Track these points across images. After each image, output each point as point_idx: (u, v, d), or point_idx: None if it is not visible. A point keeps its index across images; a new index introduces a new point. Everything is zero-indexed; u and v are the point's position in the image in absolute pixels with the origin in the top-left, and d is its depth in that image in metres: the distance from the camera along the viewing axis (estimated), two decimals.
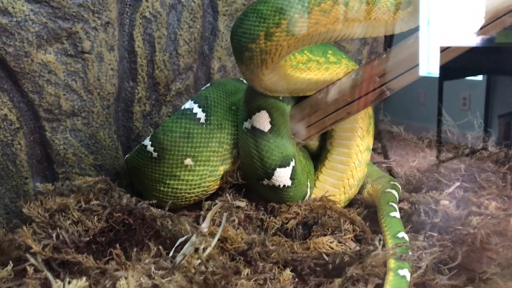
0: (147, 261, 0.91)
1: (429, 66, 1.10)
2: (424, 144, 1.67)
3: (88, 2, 1.30)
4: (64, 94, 1.31)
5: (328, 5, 0.88)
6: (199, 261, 0.88)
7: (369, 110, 1.28)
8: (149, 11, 1.41)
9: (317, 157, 1.31)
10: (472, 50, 1.13)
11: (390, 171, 1.49)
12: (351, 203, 1.29)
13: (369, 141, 1.25)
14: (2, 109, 1.25)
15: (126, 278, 0.83)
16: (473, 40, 1.09)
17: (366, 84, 1.11)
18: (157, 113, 1.47)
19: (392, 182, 1.34)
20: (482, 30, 1.03)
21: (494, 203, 1.10)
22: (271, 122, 1.09)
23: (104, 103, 1.37)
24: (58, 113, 1.32)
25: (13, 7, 1.23)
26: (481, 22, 1.06)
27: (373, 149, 1.87)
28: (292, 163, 1.10)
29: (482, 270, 0.96)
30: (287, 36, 0.89)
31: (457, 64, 1.10)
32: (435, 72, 1.07)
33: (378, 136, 2.40)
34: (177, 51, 1.46)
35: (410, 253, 1.01)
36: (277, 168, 1.08)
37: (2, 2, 1.21)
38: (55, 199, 1.06)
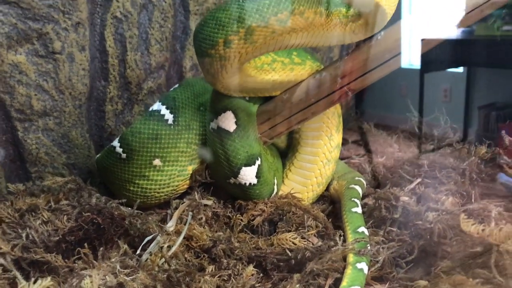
0: (113, 259, 0.94)
1: (411, 57, 1.14)
2: (393, 140, 1.71)
3: (58, 3, 1.31)
4: (35, 94, 1.33)
5: (285, 16, 0.91)
6: (163, 259, 0.92)
7: (338, 108, 1.31)
8: (120, 11, 1.42)
9: (286, 154, 1.35)
10: (452, 42, 1.16)
11: (358, 167, 1.53)
12: (318, 199, 1.33)
13: (338, 139, 1.28)
14: None
15: (91, 276, 0.87)
16: (454, 32, 1.12)
17: (329, 85, 1.15)
18: (129, 111, 1.49)
19: (357, 178, 1.39)
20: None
21: (450, 199, 1.15)
22: (236, 123, 1.12)
23: (76, 103, 1.39)
24: (30, 113, 1.33)
25: None
26: (462, 14, 1.09)
27: (354, 141, 1.93)
28: (258, 162, 1.14)
29: (437, 264, 1.01)
30: (245, 44, 0.92)
31: (437, 56, 1.13)
32: (416, 63, 1.11)
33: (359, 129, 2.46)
34: (149, 50, 1.48)
35: (368, 247, 1.06)
36: (243, 167, 1.12)
37: None
38: (25, 199, 1.08)
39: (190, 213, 1.05)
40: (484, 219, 0.99)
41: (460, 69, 3.46)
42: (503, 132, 1.33)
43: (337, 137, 1.28)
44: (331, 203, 1.31)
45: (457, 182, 1.26)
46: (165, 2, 1.48)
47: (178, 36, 1.54)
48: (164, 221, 1.17)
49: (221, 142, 1.11)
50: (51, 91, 1.35)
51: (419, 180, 1.30)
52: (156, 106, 1.15)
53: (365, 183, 1.39)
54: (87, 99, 1.41)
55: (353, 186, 1.31)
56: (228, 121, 1.12)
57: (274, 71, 1.14)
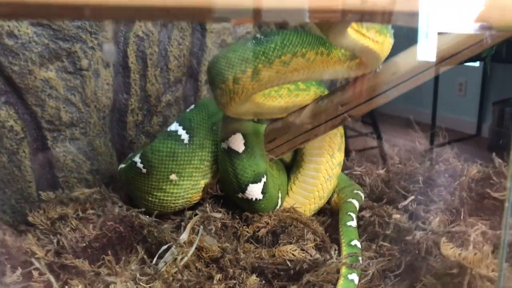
0: (133, 267, 1.07)
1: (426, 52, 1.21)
2: (394, 152, 1.82)
3: (86, 24, 1.44)
4: (64, 107, 1.46)
5: (288, 58, 1.02)
6: (176, 269, 1.05)
7: (340, 130, 1.42)
8: (142, 30, 1.54)
9: (291, 167, 1.47)
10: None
11: (359, 179, 1.64)
12: (320, 211, 1.45)
13: (340, 157, 1.40)
14: (8, 121, 1.40)
15: (115, 283, 1.00)
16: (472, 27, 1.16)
17: (331, 111, 1.26)
18: (149, 122, 1.62)
19: (355, 191, 1.50)
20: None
21: (438, 219, 1.26)
22: (245, 144, 1.24)
23: (100, 115, 1.52)
24: (59, 124, 1.47)
25: (18, 30, 1.36)
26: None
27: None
28: (264, 179, 1.26)
29: (420, 279, 1.13)
30: (252, 81, 1.03)
31: None
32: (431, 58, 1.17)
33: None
34: (168, 66, 1.60)
35: (360, 260, 1.18)
36: (250, 184, 1.24)
37: (8, 26, 1.35)
38: (55, 208, 1.22)
39: (201, 226, 1.18)
40: (464, 242, 1.10)
41: (477, 63, 3.47)
42: None
43: (339, 156, 1.39)
44: (331, 215, 1.43)
45: (446, 201, 1.37)
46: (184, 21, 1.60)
47: (195, 52, 1.66)
48: (178, 228, 1.30)
49: (231, 161, 1.24)
50: (78, 104, 1.48)
51: (412, 197, 1.41)
52: (174, 126, 1.28)
53: (363, 196, 1.51)
54: (110, 111, 1.54)
55: (350, 200, 1.43)
56: (237, 143, 1.24)
57: (281, 97, 1.26)
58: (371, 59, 1.10)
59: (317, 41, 1.08)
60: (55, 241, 1.16)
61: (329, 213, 1.44)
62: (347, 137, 1.81)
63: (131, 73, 1.55)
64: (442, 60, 1.21)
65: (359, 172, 1.69)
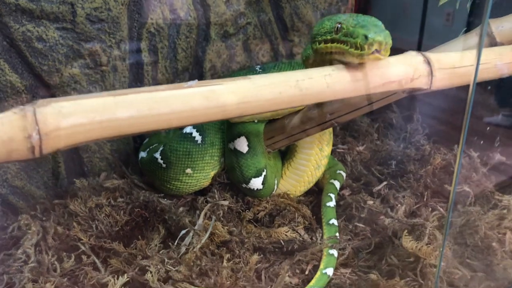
0: (161, 252, 1.36)
1: None
2: (373, 129, 2.08)
3: (105, 26, 1.60)
4: None
5: None
6: (195, 254, 1.33)
7: (330, 128, 1.66)
8: (154, 27, 1.71)
9: (285, 154, 1.72)
10: None
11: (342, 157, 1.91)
12: (308, 192, 1.73)
13: (328, 150, 1.64)
14: None
15: (149, 267, 1.28)
16: None
17: (320, 118, 1.49)
18: None
19: (338, 171, 1.77)
20: None
21: (403, 207, 1.55)
22: (248, 145, 1.48)
23: None
24: None
25: (46, 35, 1.53)
26: None
27: None
28: (264, 173, 1.52)
29: (387, 257, 1.43)
30: None
31: None
32: None
33: None
34: (176, 57, 1.79)
35: (337, 235, 1.47)
36: (252, 178, 1.50)
37: (37, 31, 1.51)
38: (92, 198, 1.47)
39: (213, 218, 1.45)
40: (421, 234, 1.40)
41: None
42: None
43: (327, 149, 1.64)
44: (317, 196, 1.71)
45: (413, 187, 1.66)
46: (191, 16, 1.76)
47: (200, 42, 1.83)
48: (190, 208, 1.58)
49: (237, 160, 1.49)
50: None
51: (385, 183, 1.70)
52: (189, 129, 1.50)
53: (344, 175, 1.79)
54: None
55: (332, 181, 1.71)
56: (242, 144, 1.48)
57: None
58: None
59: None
60: (93, 226, 1.42)
61: (315, 193, 1.72)
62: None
63: (144, 65, 1.74)
64: None
65: (341, 150, 1.96)
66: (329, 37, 1.02)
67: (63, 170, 1.71)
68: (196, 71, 1.88)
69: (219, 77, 1.90)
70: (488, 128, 2.02)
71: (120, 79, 1.69)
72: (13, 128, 0.64)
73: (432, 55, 1.04)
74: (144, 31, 1.70)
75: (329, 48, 1.02)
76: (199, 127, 1.50)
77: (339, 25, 0.99)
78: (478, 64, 0.90)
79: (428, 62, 1.02)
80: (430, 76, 1.02)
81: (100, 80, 1.66)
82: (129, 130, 0.74)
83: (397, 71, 0.99)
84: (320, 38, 1.05)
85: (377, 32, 0.90)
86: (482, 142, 1.79)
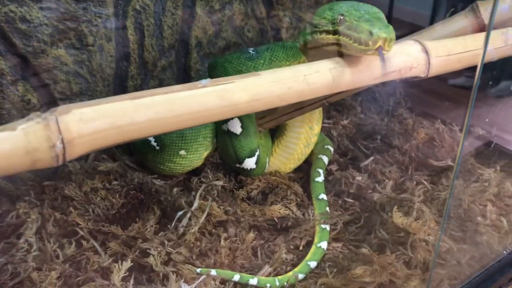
0: (160, 234, 1.38)
1: None
2: (357, 103, 2.12)
3: (90, 5, 1.56)
4: (73, 79, 1.63)
5: None
6: (194, 236, 1.37)
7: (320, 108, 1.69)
8: (139, 5, 1.67)
9: (275, 132, 1.75)
10: None
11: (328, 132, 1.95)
12: (298, 168, 1.76)
13: (317, 129, 1.66)
14: (26, 95, 1.57)
15: (149, 249, 1.31)
16: None
17: (312, 99, 1.52)
18: (146, 85, 1.81)
19: (326, 146, 1.82)
20: None
21: (391, 183, 1.62)
22: (241, 126, 1.50)
23: (105, 83, 1.70)
24: (70, 94, 1.65)
25: (30, 15, 1.48)
26: None
27: None
28: (257, 153, 1.55)
29: (376, 232, 1.50)
30: None
31: None
32: None
33: None
34: (162, 35, 1.76)
35: (327, 209, 1.52)
36: (246, 158, 1.53)
37: (21, 12, 1.46)
38: (87, 182, 1.47)
39: (210, 199, 1.48)
40: (409, 209, 1.46)
41: None
42: None
43: (317, 128, 1.67)
44: (306, 172, 1.75)
45: (399, 162, 1.72)
46: None
47: (186, 19, 1.81)
48: (184, 188, 1.60)
49: (231, 141, 1.51)
50: (86, 76, 1.65)
51: (372, 158, 1.75)
52: None
53: (332, 150, 1.83)
54: (113, 79, 1.72)
55: (321, 156, 1.75)
56: (235, 126, 1.50)
57: None
58: None
59: (299, 52, 1.31)
60: (90, 210, 1.43)
61: (305, 170, 1.76)
62: None
63: (130, 43, 1.71)
64: None
65: (327, 125, 2.00)
66: (331, 28, 1.02)
67: None
68: (182, 48, 1.86)
69: (205, 54, 1.89)
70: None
71: (106, 59, 1.66)
72: (38, 138, 0.64)
73: (429, 44, 1.07)
74: (129, 9, 1.66)
75: (330, 39, 1.03)
76: None
77: (341, 17, 0.99)
78: (485, 49, 0.92)
79: (426, 51, 1.05)
80: (428, 64, 1.05)
81: (87, 60, 1.63)
82: (148, 132, 0.75)
83: (397, 61, 1.01)
84: (321, 29, 1.06)
85: (382, 28, 0.91)
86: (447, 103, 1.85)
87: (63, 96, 1.64)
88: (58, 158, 0.67)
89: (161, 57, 1.80)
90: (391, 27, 0.93)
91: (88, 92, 1.68)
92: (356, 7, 1.01)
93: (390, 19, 3.78)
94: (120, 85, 1.77)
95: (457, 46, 1.11)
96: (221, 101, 0.80)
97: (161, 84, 1.84)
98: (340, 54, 1.02)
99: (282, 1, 2.01)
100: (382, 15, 0.99)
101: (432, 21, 3.87)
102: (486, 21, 1.34)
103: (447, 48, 1.09)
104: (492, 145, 1.88)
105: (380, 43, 0.91)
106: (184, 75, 1.90)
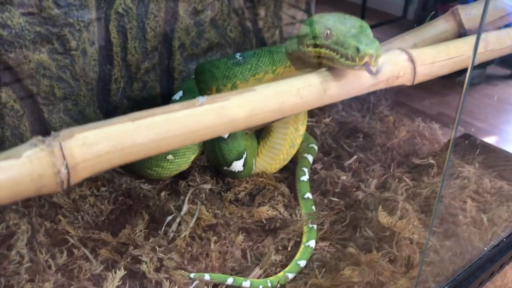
0: (151, 240, 1.39)
1: None
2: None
3: (73, 9, 1.54)
4: (56, 84, 1.62)
5: (261, 75, 1.28)
6: (185, 241, 1.38)
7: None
8: (122, 8, 1.66)
9: (261, 132, 1.77)
10: None
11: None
12: (284, 168, 1.79)
13: (302, 130, 1.68)
14: (9, 102, 1.55)
15: (141, 256, 1.32)
16: None
17: None
18: (130, 88, 1.80)
19: (310, 145, 1.85)
20: None
21: (375, 181, 1.66)
22: None
23: (89, 87, 1.69)
24: (53, 99, 1.63)
25: (11, 21, 1.46)
26: None
27: None
28: (244, 155, 1.56)
29: (361, 231, 1.54)
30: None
31: None
32: None
33: None
34: (145, 37, 1.75)
35: (313, 208, 1.56)
36: (234, 161, 1.55)
37: (2, 18, 1.44)
38: (74, 189, 1.47)
39: (199, 203, 1.49)
40: (394, 208, 1.51)
41: None
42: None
43: (302, 129, 1.69)
44: (292, 172, 1.78)
45: (381, 160, 1.76)
46: None
47: (169, 20, 1.80)
48: (171, 192, 1.61)
49: (218, 144, 1.52)
50: (69, 80, 1.63)
51: (355, 157, 1.79)
52: None
53: (316, 148, 1.86)
54: (97, 82, 1.71)
55: (306, 155, 1.79)
56: None
57: None
58: None
59: (286, 57, 1.33)
60: (79, 217, 1.43)
61: (291, 170, 1.79)
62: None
63: (113, 46, 1.70)
64: None
65: (310, 123, 2.02)
66: (318, 42, 1.04)
67: None
68: (165, 50, 1.85)
69: (189, 55, 1.89)
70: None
71: (90, 63, 1.65)
72: (43, 165, 0.65)
73: (414, 52, 1.11)
74: (112, 12, 1.65)
75: (317, 53, 1.05)
76: None
77: (328, 31, 1.00)
78: (475, 54, 0.96)
79: (412, 60, 1.08)
80: (414, 73, 1.09)
81: (70, 64, 1.61)
82: (149, 153, 0.76)
83: (385, 71, 1.04)
84: (308, 42, 1.07)
85: (368, 44, 0.93)
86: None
87: (46, 102, 1.63)
88: (63, 184, 0.68)
89: (145, 59, 1.79)
90: (377, 42, 0.95)
91: (72, 96, 1.66)
92: (343, 21, 1.02)
93: (364, 8, 3.84)
94: (104, 88, 1.76)
95: (441, 53, 1.14)
96: (219, 119, 0.81)
97: (144, 86, 1.84)
98: (327, 66, 1.04)
99: (263, 1, 2.02)
100: (368, 29, 1.01)
101: (405, 11, 3.95)
102: (466, 25, 1.38)
103: (431, 56, 1.12)
104: (469, 138, 1.95)
105: (366, 59, 0.92)
106: (168, 77, 1.90)
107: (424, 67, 1.11)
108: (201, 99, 0.83)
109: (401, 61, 1.08)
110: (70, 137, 0.69)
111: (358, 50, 0.93)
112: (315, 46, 1.05)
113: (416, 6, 3.76)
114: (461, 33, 1.39)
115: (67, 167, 0.67)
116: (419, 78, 1.12)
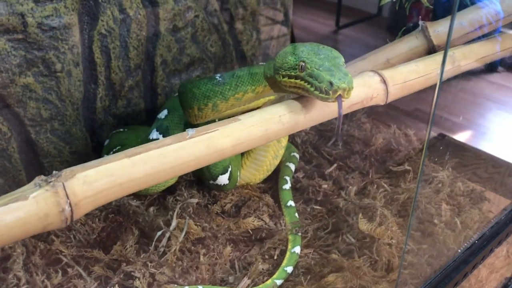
0: (142, 255, 1.45)
1: None
2: None
3: (57, 33, 1.58)
4: (43, 106, 1.65)
5: (240, 95, 1.32)
6: (175, 256, 1.44)
7: None
8: (105, 28, 1.70)
9: None
10: None
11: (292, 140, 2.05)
12: (267, 178, 1.85)
13: (285, 142, 1.75)
14: None
15: (133, 272, 1.38)
16: None
17: None
18: (115, 105, 1.85)
19: (292, 154, 1.92)
20: None
21: (354, 188, 1.74)
22: None
23: (74, 107, 1.73)
24: (40, 120, 1.67)
25: None
26: None
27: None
28: (229, 169, 1.63)
29: (343, 237, 1.62)
30: (212, 111, 1.32)
31: None
32: None
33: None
34: (128, 56, 1.80)
35: (296, 215, 1.63)
36: (220, 175, 1.61)
37: None
38: None
39: (187, 218, 1.55)
40: (373, 215, 1.59)
41: None
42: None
43: (284, 140, 1.76)
44: (275, 182, 1.85)
45: (360, 168, 1.84)
46: (140, 15, 1.77)
47: (150, 38, 1.85)
48: (159, 206, 1.66)
49: None
50: (55, 101, 1.67)
51: (335, 165, 1.87)
52: (155, 135, 1.56)
53: (298, 157, 1.94)
54: (82, 101, 1.75)
55: (288, 164, 1.86)
56: None
57: (239, 105, 1.57)
58: None
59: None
60: (71, 236, 1.47)
61: (274, 179, 1.86)
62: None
63: (97, 66, 1.74)
64: None
65: None
66: (293, 73, 1.07)
67: (24, 177, 1.71)
68: (148, 66, 1.90)
69: (171, 71, 1.94)
70: None
71: (75, 83, 1.69)
72: (48, 205, 0.70)
73: (386, 73, 1.18)
74: (95, 33, 1.69)
75: (293, 83, 1.09)
76: (164, 131, 1.56)
77: (303, 64, 1.04)
78: (441, 73, 1.03)
79: (384, 81, 1.16)
80: (386, 93, 1.16)
81: (56, 86, 1.65)
82: (144, 185, 0.82)
83: (360, 94, 1.12)
84: (283, 73, 1.10)
85: (341, 78, 0.96)
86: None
87: (33, 123, 1.66)
88: (67, 220, 0.73)
89: (128, 77, 1.84)
90: (350, 75, 1.00)
91: (58, 116, 1.70)
92: (317, 51, 1.06)
93: (340, 6, 3.91)
94: (89, 107, 1.80)
95: (412, 73, 1.22)
96: (208, 149, 0.87)
97: (129, 103, 1.88)
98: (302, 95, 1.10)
99: (242, 15, 2.08)
100: (341, 60, 1.06)
101: (380, 8, 4.05)
102: (435, 42, 1.46)
103: (402, 76, 1.20)
104: (444, 138, 2.04)
105: (340, 92, 0.97)
106: (151, 93, 1.95)
107: (396, 87, 1.19)
108: (190, 131, 0.89)
109: (374, 83, 1.15)
110: (72, 177, 0.74)
111: (331, 84, 0.97)
112: (290, 77, 1.09)
113: (390, 4, 3.85)
114: (431, 48, 1.47)
115: (70, 205, 0.73)
116: (392, 98, 1.19)
